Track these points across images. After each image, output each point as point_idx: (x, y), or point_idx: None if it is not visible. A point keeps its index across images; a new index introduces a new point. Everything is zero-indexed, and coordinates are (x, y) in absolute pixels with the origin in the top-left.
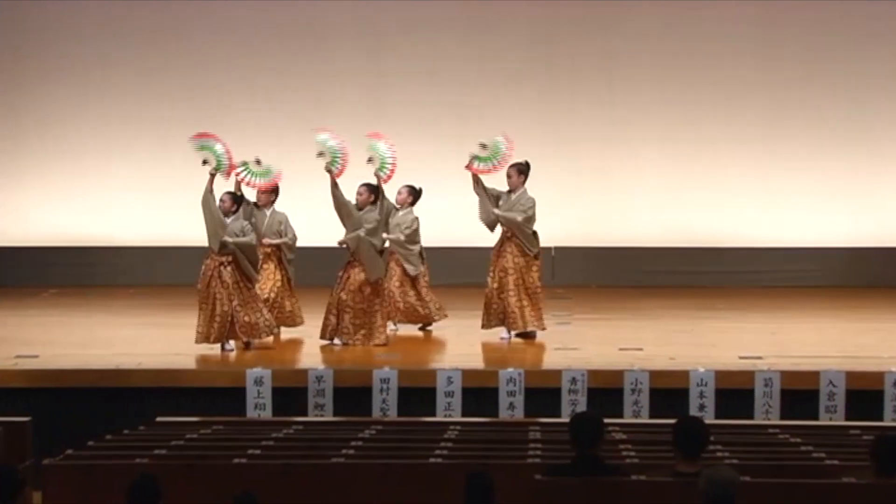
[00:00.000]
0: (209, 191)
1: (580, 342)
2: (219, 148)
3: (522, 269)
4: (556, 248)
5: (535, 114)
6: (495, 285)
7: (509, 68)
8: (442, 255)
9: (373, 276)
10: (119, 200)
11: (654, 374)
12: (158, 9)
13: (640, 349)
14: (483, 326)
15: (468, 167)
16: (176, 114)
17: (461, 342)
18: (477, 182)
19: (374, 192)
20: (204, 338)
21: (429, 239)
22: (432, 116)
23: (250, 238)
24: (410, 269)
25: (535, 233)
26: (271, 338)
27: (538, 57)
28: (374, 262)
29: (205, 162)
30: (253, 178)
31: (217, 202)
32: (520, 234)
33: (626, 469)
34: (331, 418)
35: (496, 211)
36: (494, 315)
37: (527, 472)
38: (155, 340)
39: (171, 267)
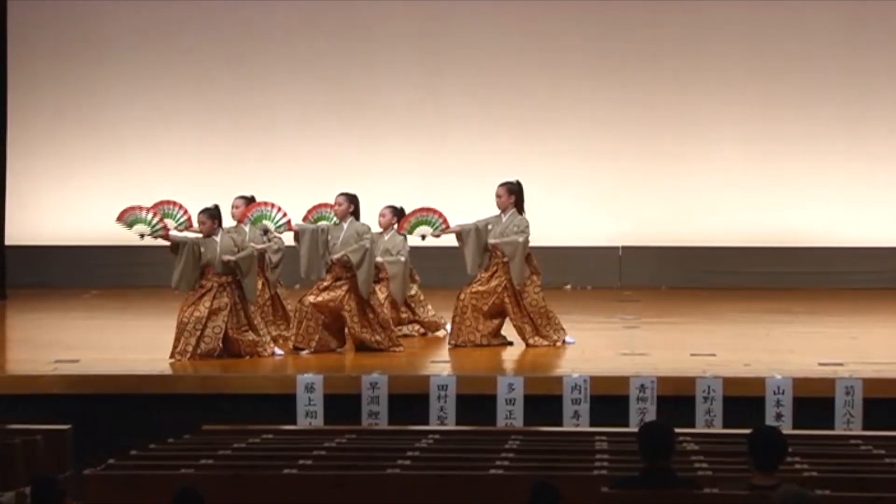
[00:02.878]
0: (176, 246)
1: (649, 347)
2: (145, 215)
3: (518, 290)
4: (624, 248)
5: (606, 111)
6: (473, 301)
7: (580, 65)
8: None
9: (368, 292)
10: (163, 198)
11: (728, 382)
12: (211, 7)
13: (713, 355)
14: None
15: (438, 235)
16: (220, 111)
17: (521, 346)
18: (459, 238)
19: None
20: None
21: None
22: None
23: (250, 250)
24: (399, 295)
25: (529, 255)
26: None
27: (610, 54)
28: (371, 277)
29: (142, 235)
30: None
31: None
32: (514, 260)
33: (699, 482)
34: (386, 427)
35: (492, 241)
36: (467, 329)
37: (593, 485)
38: None
39: None
